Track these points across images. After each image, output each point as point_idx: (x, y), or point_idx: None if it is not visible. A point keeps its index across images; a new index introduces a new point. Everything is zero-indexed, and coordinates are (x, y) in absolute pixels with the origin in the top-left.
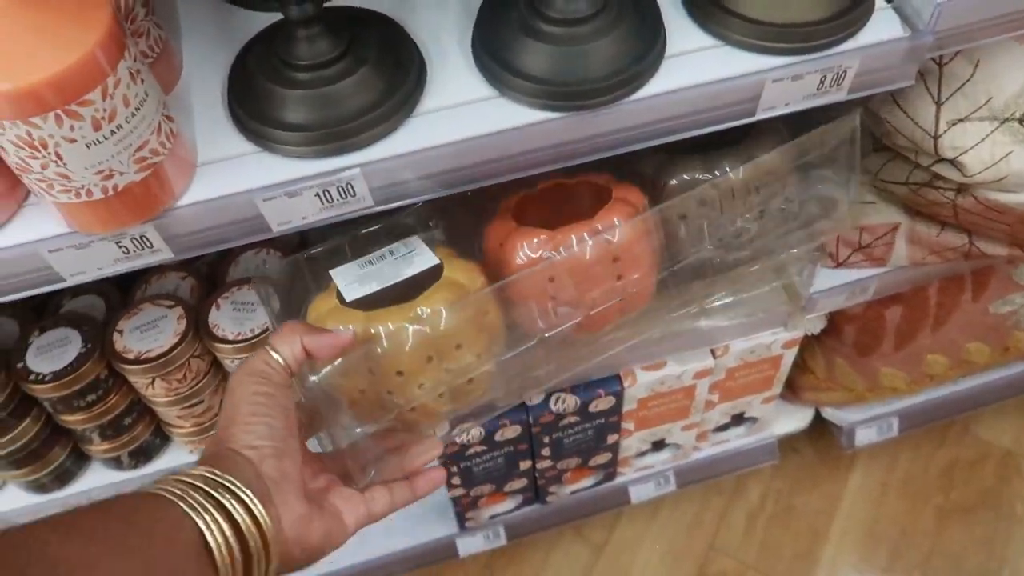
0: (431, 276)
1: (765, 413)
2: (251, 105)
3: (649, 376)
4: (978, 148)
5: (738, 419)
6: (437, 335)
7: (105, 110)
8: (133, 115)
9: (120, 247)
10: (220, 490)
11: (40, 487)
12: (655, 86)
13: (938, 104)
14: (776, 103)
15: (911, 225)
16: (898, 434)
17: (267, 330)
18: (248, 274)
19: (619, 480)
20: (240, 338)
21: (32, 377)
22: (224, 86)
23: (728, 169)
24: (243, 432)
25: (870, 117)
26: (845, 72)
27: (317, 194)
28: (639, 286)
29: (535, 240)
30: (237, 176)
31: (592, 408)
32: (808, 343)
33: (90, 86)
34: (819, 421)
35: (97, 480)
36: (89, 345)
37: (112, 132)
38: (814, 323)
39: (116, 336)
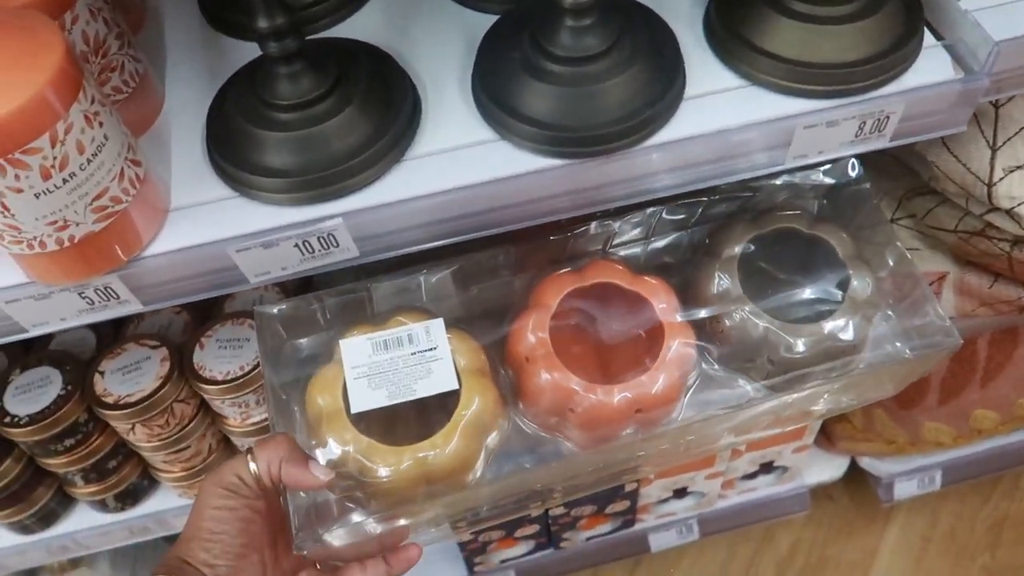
0: (445, 398)
1: (796, 462)
2: (229, 147)
3: None
4: None
5: (767, 467)
6: (439, 475)
7: (55, 157)
8: (89, 162)
9: (83, 298)
10: None
11: (24, 528)
12: (672, 131)
13: (993, 149)
14: (808, 150)
15: (960, 275)
16: (940, 487)
17: (256, 367)
18: (245, 307)
19: (638, 527)
20: (228, 378)
21: (7, 420)
22: (204, 125)
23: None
24: (201, 549)
25: (915, 158)
26: (888, 117)
27: (296, 244)
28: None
29: (571, 386)
30: (211, 224)
31: None
32: None
33: (37, 132)
34: (855, 469)
35: (83, 522)
36: (69, 387)
37: (64, 181)
38: None
39: (97, 377)
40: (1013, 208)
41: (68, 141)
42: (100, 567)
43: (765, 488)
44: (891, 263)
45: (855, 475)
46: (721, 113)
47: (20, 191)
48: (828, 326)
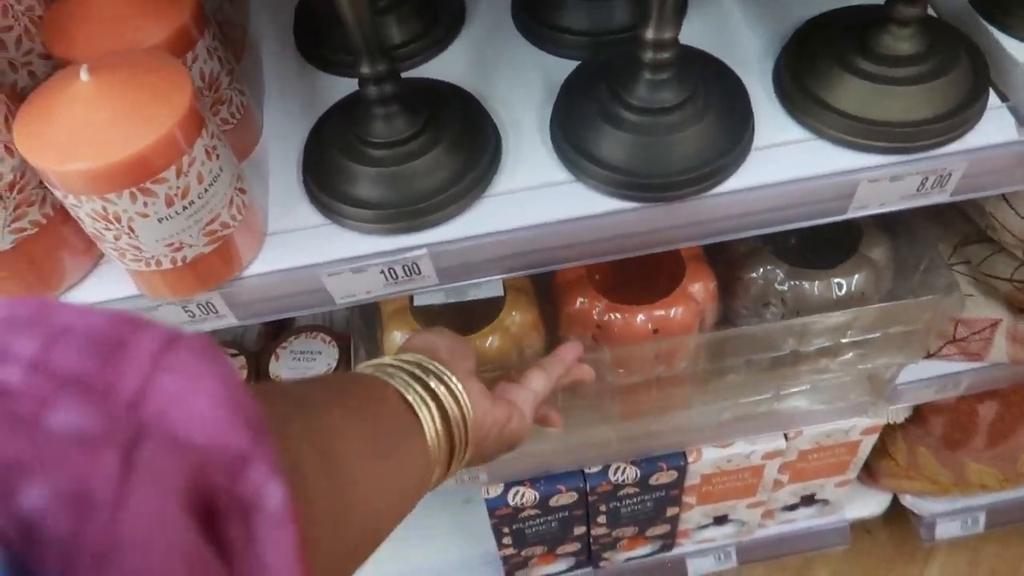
0: (492, 307)
1: (838, 496)
2: (324, 178)
3: (716, 453)
4: None
5: (808, 500)
6: None
7: (178, 187)
8: (206, 191)
9: (187, 311)
10: (432, 379)
11: None
12: (739, 180)
13: None
14: (871, 202)
15: (1014, 323)
16: (984, 530)
17: None
18: (312, 323)
19: (677, 551)
20: None
21: None
22: (300, 155)
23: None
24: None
25: (973, 207)
26: (949, 175)
27: (382, 271)
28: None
29: (592, 302)
30: (305, 249)
31: (653, 481)
32: (890, 430)
33: (165, 165)
34: (897, 507)
35: None
36: None
37: (184, 208)
38: (898, 412)
39: None
40: None
41: (190, 172)
42: None
43: (805, 520)
44: (910, 239)
45: (897, 512)
46: (787, 165)
47: (146, 216)
48: (836, 274)
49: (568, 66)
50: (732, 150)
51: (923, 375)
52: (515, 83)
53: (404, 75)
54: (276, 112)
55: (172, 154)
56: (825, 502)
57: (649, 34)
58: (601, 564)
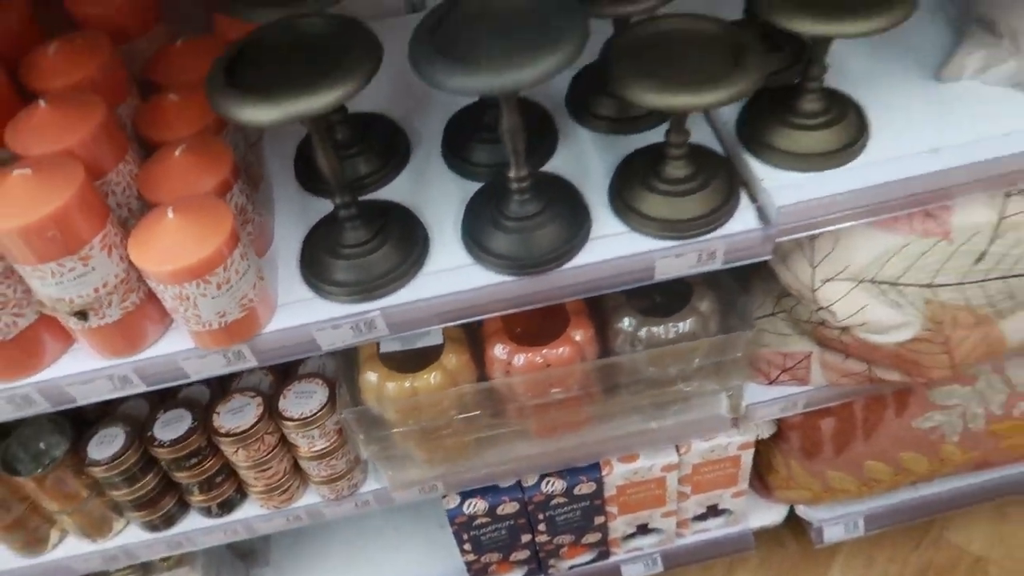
0: (435, 352)
1: (738, 506)
2: (313, 268)
3: (623, 467)
4: (843, 301)
5: (714, 510)
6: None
7: (224, 278)
8: (240, 279)
9: (225, 358)
10: None
11: (152, 527)
12: (582, 259)
13: (813, 267)
14: (668, 271)
15: (821, 354)
16: (864, 533)
17: (323, 410)
18: (313, 370)
19: (612, 559)
20: (300, 417)
21: (156, 443)
22: (298, 253)
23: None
24: None
25: (773, 271)
26: (715, 252)
27: (351, 327)
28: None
29: (503, 347)
30: (301, 314)
31: (577, 491)
32: (768, 445)
33: (216, 266)
34: (796, 515)
35: (194, 524)
36: (196, 422)
37: (228, 290)
38: (764, 428)
39: (215, 416)
40: (829, 307)
41: (231, 268)
42: (196, 567)
43: (717, 529)
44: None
45: (798, 521)
46: (613, 248)
47: (204, 295)
48: (672, 321)
49: (475, 187)
50: (576, 239)
51: (768, 397)
52: (440, 200)
53: (366, 197)
54: (283, 224)
55: (219, 259)
56: (729, 512)
57: (511, 173)
58: (550, 572)
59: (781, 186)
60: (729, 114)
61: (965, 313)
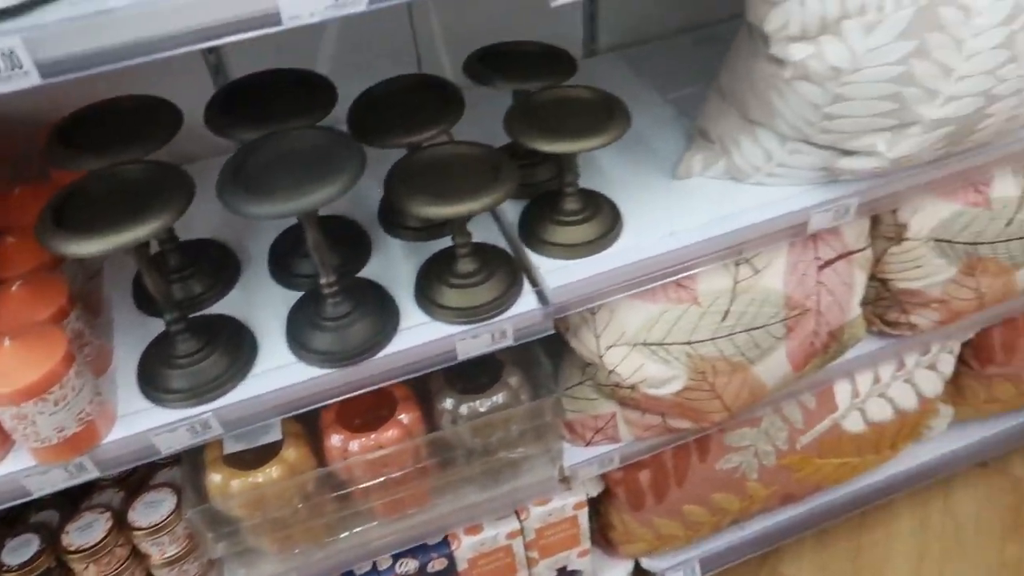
0: (276, 447)
1: (586, 566)
2: (150, 380)
3: (471, 539)
4: (624, 363)
5: (564, 572)
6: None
7: (62, 395)
8: (77, 395)
9: (67, 471)
10: None
11: None
12: (391, 348)
13: (597, 337)
14: (468, 351)
15: (623, 412)
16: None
17: (171, 515)
18: (163, 481)
19: None
20: (150, 526)
21: (5, 568)
22: (136, 368)
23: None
24: None
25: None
26: (505, 331)
27: (187, 429)
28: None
29: (338, 436)
30: (140, 423)
31: (431, 569)
32: (600, 503)
33: (53, 385)
34: (643, 570)
35: None
36: (44, 544)
37: (65, 406)
38: (591, 487)
39: (64, 536)
40: (614, 369)
41: (67, 385)
42: None
43: None
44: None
45: (644, 573)
46: (420, 336)
47: (42, 413)
48: (485, 396)
49: (299, 296)
50: (384, 332)
51: (586, 457)
52: (267, 309)
53: (201, 312)
54: (123, 344)
55: (57, 377)
56: (579, 573)
57: (322, 280)
58: None
59: (554, 271)
60: (512, 215)
61: (722, 362)
